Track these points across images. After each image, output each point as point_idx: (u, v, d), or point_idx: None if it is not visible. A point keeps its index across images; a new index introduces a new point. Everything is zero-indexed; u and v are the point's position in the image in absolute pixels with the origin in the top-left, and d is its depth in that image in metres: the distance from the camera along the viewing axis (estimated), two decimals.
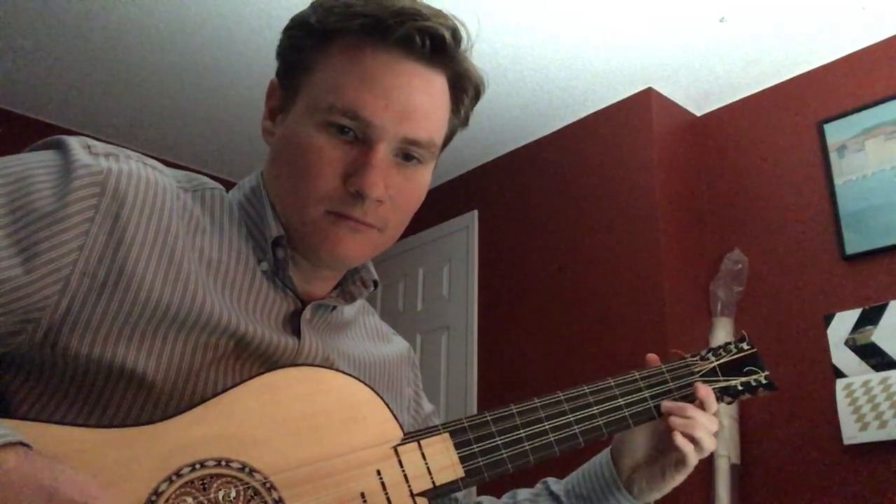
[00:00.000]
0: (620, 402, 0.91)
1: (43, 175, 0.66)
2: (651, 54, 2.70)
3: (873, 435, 2.21)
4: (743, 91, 2.89)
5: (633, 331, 2.67)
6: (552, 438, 0.84)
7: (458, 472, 0.76)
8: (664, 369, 0.98)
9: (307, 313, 0.80)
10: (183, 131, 3.35)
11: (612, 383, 0.92)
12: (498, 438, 0.80)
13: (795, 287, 2.56)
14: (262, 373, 0.69)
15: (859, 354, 2.32)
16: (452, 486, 0.75)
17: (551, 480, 1.01)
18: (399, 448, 0.73)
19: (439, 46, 0.76)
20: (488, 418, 0.81)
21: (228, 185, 0.84)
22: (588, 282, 2.88)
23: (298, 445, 0.68)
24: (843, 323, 2.39)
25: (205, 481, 0.63)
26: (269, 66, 0.84)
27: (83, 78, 2.95)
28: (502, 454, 0.80)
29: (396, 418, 0.75)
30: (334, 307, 0.85)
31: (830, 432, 2.32)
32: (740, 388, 1.01)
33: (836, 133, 2.58)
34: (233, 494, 0.63)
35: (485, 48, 2.60)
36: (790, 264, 2.59)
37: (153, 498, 0.60)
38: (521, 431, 0.82)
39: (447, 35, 0.76)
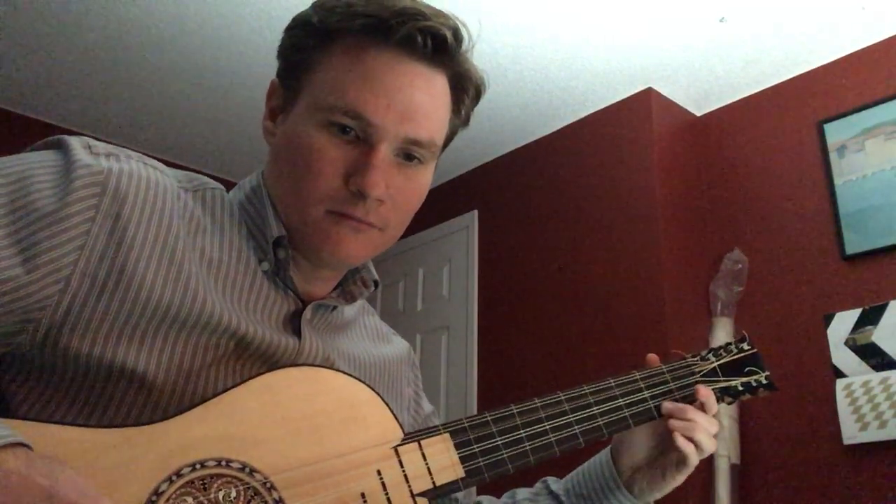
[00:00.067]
0: (621, 402, 0.91)
1: (44, 175, 0.66)
2: (651, 54, 2.70)
3: (873, 435, 2.21)
4: (743, 91, 2.89)
5: (633, 331, 2.67)
6: (552, 438, 0.84)
7: (458, 472, 0.76)
8: (665, 369, 0.98)
9: (308, 313, 0.80)
10: (183, 131, 3.35)
11: (613, 383, 0.92)
12: (498, 438, 0.80)
13: (795, 287, 2.56)
14: (263, 373, 0.69)
15: (859, 354, 2.32)
16: (453, 487, 0.75)
17: (551, 480, 1.01)
18: (399, 448, 0.73)
19: (441, 46, 0.76)
20: (488, 418, 0.81)
21: (228, 185, 0.84)
22: (588, 282, 2.88)
23: (299, 445, 0.68)
24: (843, 323, 2.39)
25: (205, 481, 0.63)
26: (269, 66, 0.84)
27: (83, 78, 2.95)
28: (502, 454, 0.80)
29: (397, 418, 0.75)
30: (335, 307, 0.85)
31: (830, 432, 2.32)
32: (741, 388, 1.01)
33: (836, 133, 2.58)
34: (233, 494, 0.63)
35: (485, 48, 2.60)
36: (790, 264, 2.59)
37: (153, 498, 0.60)
38: (522, 431, 0.82)
39: (449, 35, 0.76)
